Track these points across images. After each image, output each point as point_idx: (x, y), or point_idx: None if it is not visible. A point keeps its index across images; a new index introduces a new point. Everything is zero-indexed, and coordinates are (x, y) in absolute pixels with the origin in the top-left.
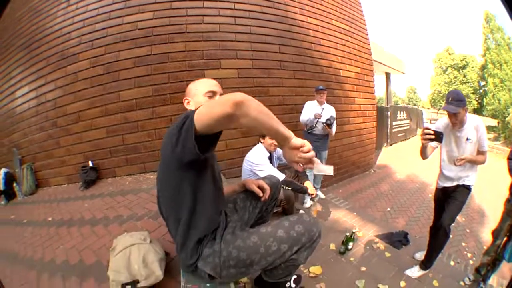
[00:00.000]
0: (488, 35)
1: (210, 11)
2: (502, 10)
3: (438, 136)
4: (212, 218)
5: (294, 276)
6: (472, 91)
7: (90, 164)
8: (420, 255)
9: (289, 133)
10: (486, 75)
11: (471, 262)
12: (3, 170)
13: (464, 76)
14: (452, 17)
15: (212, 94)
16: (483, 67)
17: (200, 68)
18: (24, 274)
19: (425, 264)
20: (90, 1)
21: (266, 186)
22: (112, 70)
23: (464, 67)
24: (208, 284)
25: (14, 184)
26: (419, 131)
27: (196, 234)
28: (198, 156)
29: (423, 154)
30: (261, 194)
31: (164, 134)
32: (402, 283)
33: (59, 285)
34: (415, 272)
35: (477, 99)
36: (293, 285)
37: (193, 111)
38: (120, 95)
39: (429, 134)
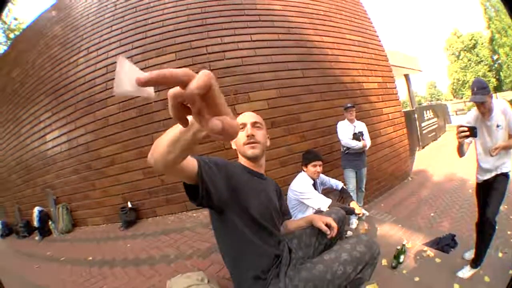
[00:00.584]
0: (486, 4)
1: (230, 46)
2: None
3: (472, 131)
4: (260, 255)
5: None
6: (488, 69)
7: (129, 205)
8: (470, 254)
9: None
10: (496, 47)
11: None
12: (37, 208)
13: (477, 56)
14: None
15: (242, 126)
16: (491, 40)
17: (230, 104)
18: None
19: (475, 262)
20: (109, 48)
21: (334, 224)
22: (145, 113)
23: (474, 46)
24: None
25: (50, 222)
26: (448, 126)
27: (249, 271)
28: (196, 204)
29: (461, 152)
30: (328, 232)
31: None
32: (456, 286)
33: None
34: (466, 272)
35: (494, 75)
36: None
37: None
38: (153, 137)
39: (464, 131)
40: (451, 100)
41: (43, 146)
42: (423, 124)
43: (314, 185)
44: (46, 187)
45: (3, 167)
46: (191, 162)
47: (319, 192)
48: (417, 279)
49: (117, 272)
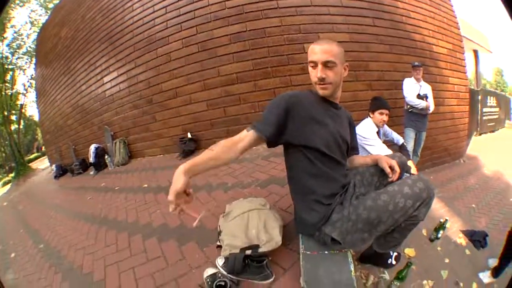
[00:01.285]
0: None
1: None
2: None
3: None
4: (326, 181)
5: (395, 254)
6: None
7: (189, 135)
8: (493, 262)
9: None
10: None
11: None
12: (93, 145)
13: None
14: None
15: (313, 64)
16: None
17: (299, 42)
18: (112, 236)
19: (496, 271)
20: None
21: (397, 168)
22: (208, 48)
23: None
24: (326, 252)
25: (106, 157)
26: (507, 123)
27: (313, 195)
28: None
29: None
30: (391, 175)
31: None
32: (474, 285)
33: (154, 247)
34: (485, 277)
35: None
36: (394, 262)
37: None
38: (219, 70)
39: None
40: None
41: (100, 88)
42: (484, 110)
43: (378, 133)
44: (104, 125)
45: (58, 115)
46: (250, 135)
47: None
48: (447, 260)
49: None
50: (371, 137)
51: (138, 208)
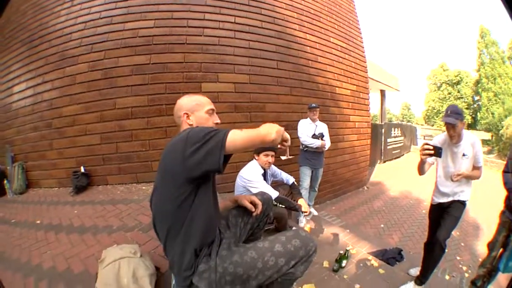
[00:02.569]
0: (483, 50)
1: (211, 23)
2: (497, 23)
3: (437, 151)
4: (210, 230)
5: None
6: (466, 106)
7: (82, 169)
8: (415, 271)
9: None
10: (480, 90)
11: (466, 275)
12: None
13: (458, 92)
14: (447, 33)
15: (212, 111)
16: (477, 82)
17: (197, 81)
18: (9, 276)
19: (420, 279)
20: (94, 4)
21: (258, 202)
22: (110, 76)
23: (458, 82)
24: None
25: (5, 181)
26: (413, 147)
27: (192, 245)
28: (219, 169)
29: (421, 170)
30: (253, 210)
31: (166, 147)
32: None
33: None
34: (409, 287)
35: (471, 114)
36: None
37: (216, 130)
38: (116, 102)
39: (429, 149)
40: (422, 125)
41: (9, 98)
42: (389, 140)
43: (264, 175)
44: (6, 143)
45: None
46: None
47: (268, 183)
48: (357, 286)
49: (61, 237)
50: (255, 179)
51: (31, 247)
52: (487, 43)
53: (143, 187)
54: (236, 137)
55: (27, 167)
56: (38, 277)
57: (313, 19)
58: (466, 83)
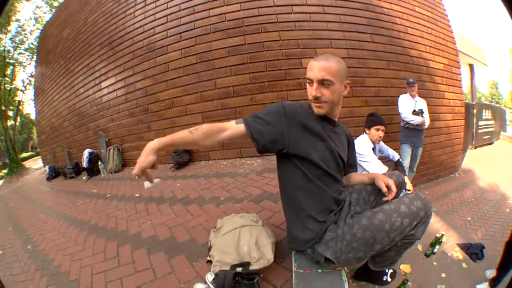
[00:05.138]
0: None
1: (297, 0)
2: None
3: None
4: (320, 197)
5: (391, 271)
6: None
7: None
8: (491, 273)
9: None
10: None
11: None
12: (87, 150)
13: None
14: None
15: (310, 81)
16: None
17: (296, 57)
18: (101, 244)
19: (494, 281)
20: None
21: (394, 188)
22: (206, 59)
23: None
24: (320, 270)
25: (99, 163)
26: (503, 135)
27: (305, 210)
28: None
29: None
30: (387, 194)
31: None
32: None
33: (143, 258)
34: None
35: None
36: (389, 279)
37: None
38: (216, 83)
39: None
40: (510, 108)
41: (97, 93)
42: (480, 123)
43: (373, 149)
44: (99, 131)
45: (55, 116)
46: (237, 130)
47: (376, 158)
48: (443, 275)
49: (163, 209)
50: (366, 153)
51: (128, 218)
52: None
53: (247, 161)
54: None
55: (123, 148)
56: (135, 246)
57: None
58: None
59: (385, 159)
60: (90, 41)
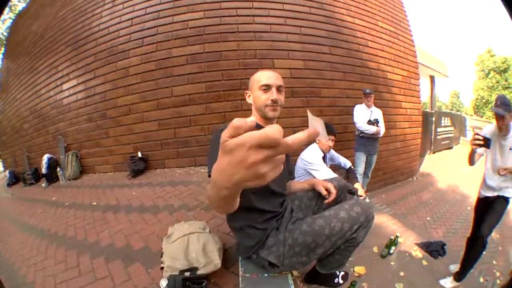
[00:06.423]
0: None
1: (260, 11)
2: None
3: (486, 142)
4: (270, 205)
5: (342, 273)
6: None
7: (139, 154)
8: (454, 267)
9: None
10: None
11: (498, 281)
12: (47, 155)
13: (506, 81)
14: (492, 13)
15: (266, 87)
16: None
17: (253, 67)
18: (63, 253)
19: (459, 275)
20: (137, 1)
21: (333, 190)
22: (165, 66)
23: (505, 70)
24: (266, 274)
25: (58, 169)
26: (462, 139)
27: (245, 221)
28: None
29: (471, 160)
30: (327, 196)
31: None
32: None
33: (102, 267)
34: (448, 283)
35: None
36: (341, 281)
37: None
38: (173, 90)
39: (479, 139)
40: (471, 115)
41: (58, 95)
42: (438, 129)
43: (324, 158)
44: (58, 135)
45: (16, 117)
46: None
47: (327, 166)
48: (402, 273)
49: (120, 217)
50: (315, 162)
51: (87, 226)
52: None
53: (202, 170)
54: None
55: (81, 155)
56: (94, 254)
57: (359, 2)
58: None
59: (337, 167)
60: (56, 38)
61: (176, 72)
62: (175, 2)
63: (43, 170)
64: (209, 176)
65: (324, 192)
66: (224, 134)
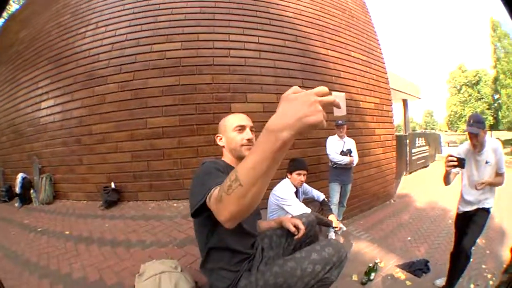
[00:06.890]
0: (497, 44)
1: (236, 44)
2: (506, 14)
3: (460, 162)
4: (242, 246)
5: None
6: (487, 107)
7: (113, 185)
8: (441, 282)
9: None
10: (499, 87)
11: (490, 282)
12: (21, 174)
13: (478, 92)
14: (461, 31)
15: (241, 128)
16: (496, 79)
17: (226, 102)
18: (36, 282)
19: None
20: (119, 26)
21: (302, 227)
22: (141, 96)
23: (477, 83)
24: None
25: (32, 191)
26: (438, 156)
27: (219, 263)
28: (191, 213)
29: (446, 181)
30: (296, 233)
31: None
32: None
33: None
34: None
35: (492, 114)
36: None
37: (213, 179)
38: (147, 122)
39: (452, 161)
40: (445, 131)
41: (37, 113)
42: (413, 150)
43: (296, 193)
44: (34, 155)
45: None
46: None
47: (300, 201)
48: None
49: (92, 250)
50: (288, 197)
51: (59, 256)
52: (499, 36)
53: (174, 204)
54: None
55: (55, 179)
56: (66, 286)
57: (333, 34)
58: (485, 82)
59: (310, 200)
60: (40, 52)
61: (151, 103)
62: (154, 30)
63: (17, 189)
64: (193, 212)
65: (292, 229)
66: (288, 92)
